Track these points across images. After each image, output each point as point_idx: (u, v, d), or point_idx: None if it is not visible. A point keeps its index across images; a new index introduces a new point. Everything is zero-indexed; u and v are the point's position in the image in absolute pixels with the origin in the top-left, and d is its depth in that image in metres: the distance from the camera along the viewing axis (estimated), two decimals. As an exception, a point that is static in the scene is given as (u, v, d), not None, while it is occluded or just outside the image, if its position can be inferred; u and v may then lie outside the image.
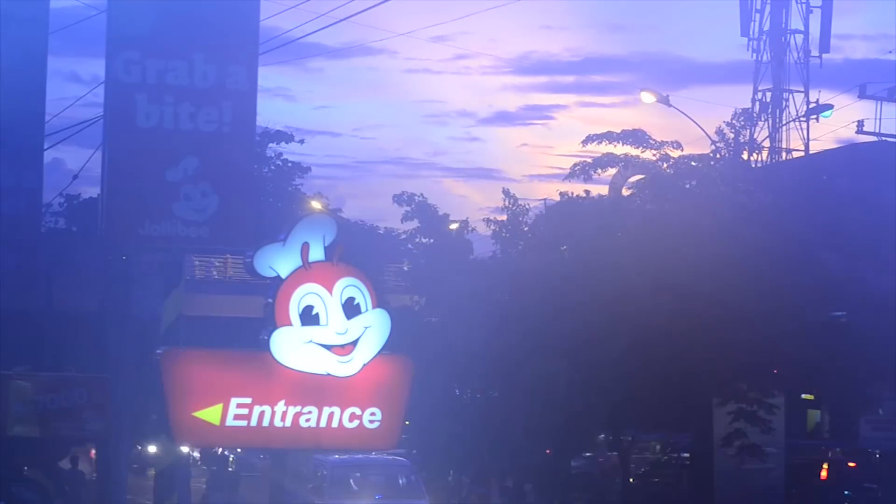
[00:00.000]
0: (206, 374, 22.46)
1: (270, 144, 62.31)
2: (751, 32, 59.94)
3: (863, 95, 44.41)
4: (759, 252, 27.75)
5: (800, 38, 59.62)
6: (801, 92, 59.59)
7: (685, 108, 34.40)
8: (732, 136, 31.30)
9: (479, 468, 33.12)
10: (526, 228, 32.37)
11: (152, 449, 35.73)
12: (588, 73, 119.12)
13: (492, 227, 32.56)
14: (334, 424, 22.69)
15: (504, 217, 32.51)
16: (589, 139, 30.90)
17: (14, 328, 33.35)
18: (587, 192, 31.57)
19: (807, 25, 59.51)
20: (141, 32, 25.65)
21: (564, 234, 30.88)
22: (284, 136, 63.11)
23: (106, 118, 26.16)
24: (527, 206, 32.77)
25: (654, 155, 30.73)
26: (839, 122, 75.83)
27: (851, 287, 29.53)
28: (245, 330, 27.86)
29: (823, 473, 35.40)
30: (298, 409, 22.48)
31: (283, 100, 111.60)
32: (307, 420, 22.54)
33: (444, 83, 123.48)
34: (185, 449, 27.85)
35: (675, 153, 30.90)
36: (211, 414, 22.29)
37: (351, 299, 22.58)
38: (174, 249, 26.21)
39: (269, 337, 22.16)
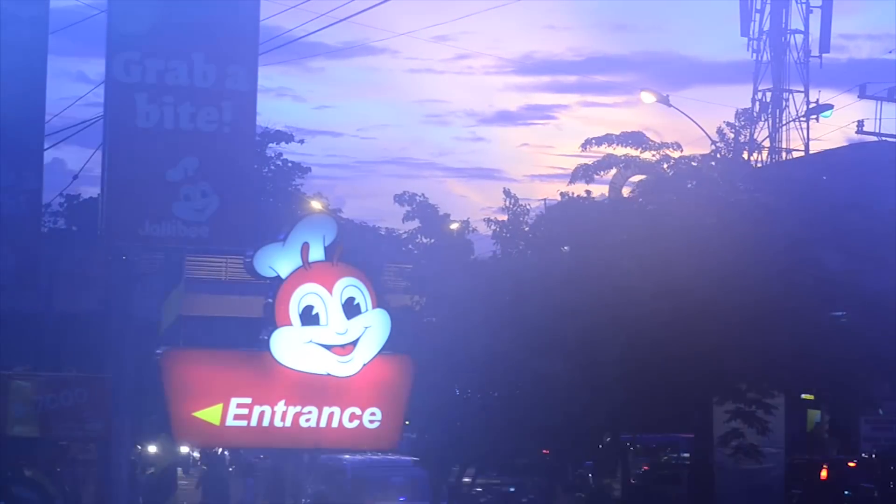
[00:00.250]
0: (206, 374, 22.50)
1: (270, 144, 62.33)
2: (751, 32, 59.91)
3: (863, 95, 44.43)
4: (759, 252, 27.73)
5: (800, 38, 59.63)
6: (801, 92, 59.59)
7: (685, 108, 34.49)
8: (732, 136, 31.28)
9: (479, 468, 33.10)
10: (527, 228, 32.34)
11: (152, 449, 35.72)
12: (590, 73, 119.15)
13: (493, 227, 32.54)
14: (334, 424, 22.71)
15: (505, 217, 32.51)
16: (588, 142, 30.87)
17: (14, 328, 33.35)
18: (588, 192, 31.56)
19: (807, 25, 59.50)
20: (141, 32, 25.68)
21: (565, 234, 30.85)
22: (284, 136, 63.14)
23: (106, 118, 26.17)
24: (528, 207, 32.76)
25: (654, 156, 30.70)
26: (839, 122, 75.78)
27: (851, 287, 29.50)
28: (245, 330, 27.88)
29: (823, 473, 35.39)
30: (298, 409, 22.51)
31: (283, 99, 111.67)
32: (307, 420, 22.57)
33: (445, 83, 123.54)
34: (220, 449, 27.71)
35: (676, 154, 30.88)
36: (211, 414, 22.33)
37: (351, 299, 22.63)
38: (174, 249, 26.19)
39: (269, 337, 22.18)
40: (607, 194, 32.15)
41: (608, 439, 34.48)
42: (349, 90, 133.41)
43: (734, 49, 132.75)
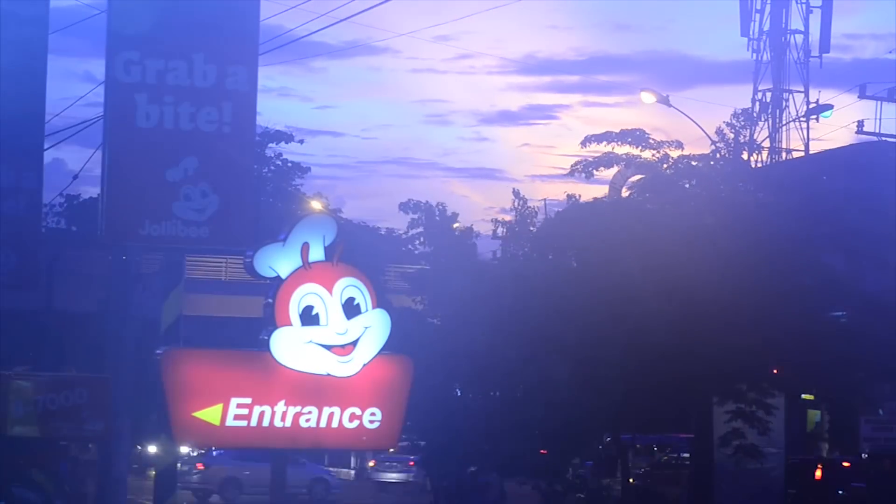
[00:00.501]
0: (206, 374, 22.47)
1: (270, 144, 62.37)
2: (751, 32, 59.93)
3: (863, 95, 44.49)
4: (759, 252, 27.75)
5: (800, 38, 59.65)
6: (801, 92, 59.60)
7: (686, 109, 34.50)
8: (732, 136, 31.32)
9: (480, 468, 33.09)
10: (533, 229, 32.40)
11: (152, 449, 35.72)
12: (592, 73, 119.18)
13: (500, 228, 32.53)
14: (334, 424, 22.70)
15: (510, 217, 32.56)
16: (587, 140, 30.92)
17: (14, 328, 33.34)
18: (594, 197, 31.61)
19: (807, 25, 59.51)
20: (141, 32, 25.62)
21: (566, 235, 30.87)
22: (284, 137, 63.18)
23: (106, 118, 26.12)
24: (535, 209, 32.77)
25: (654, 155, 30.74)
26: (839, 122, 75.73)
27: (852, 287, 29.53)
28: (245, 330, 27.87)
29: (818, 473, 35.41)
30: (298, 409, 22.49)
31: (285, 99, 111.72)
32: (307, 420, 22.55)
33: (447, 83, 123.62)
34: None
35: (676, 153, 30.92)
36: (211, 414, 22.30)
37: (351, 299, 22.60)
38: (174, 249, 26.17)
39: (269, 337, 22.16)
40: (607, 193, 32.22)
41: (608, 439, 34.52)
42: (351, 90, 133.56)
43: (734, 49, 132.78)
